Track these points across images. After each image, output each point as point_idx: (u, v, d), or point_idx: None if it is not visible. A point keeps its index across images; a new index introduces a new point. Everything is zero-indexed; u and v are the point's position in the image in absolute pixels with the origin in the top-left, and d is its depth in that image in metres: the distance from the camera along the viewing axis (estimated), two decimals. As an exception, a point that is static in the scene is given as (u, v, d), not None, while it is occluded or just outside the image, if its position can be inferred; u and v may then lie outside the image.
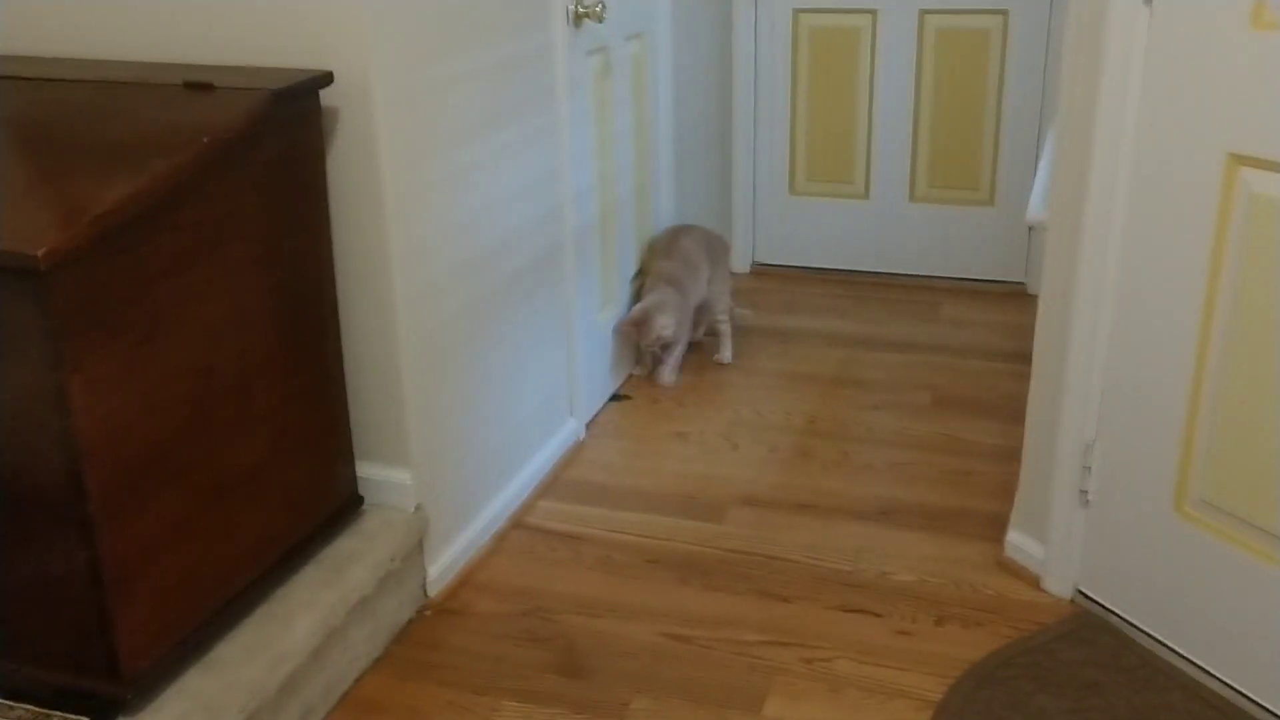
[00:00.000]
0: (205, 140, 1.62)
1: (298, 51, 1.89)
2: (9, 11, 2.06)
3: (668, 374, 3.08)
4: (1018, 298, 3.66)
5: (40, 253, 1.39)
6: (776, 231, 3.94)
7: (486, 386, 2.36)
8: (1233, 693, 1.90)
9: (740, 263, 3.97)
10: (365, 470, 2.13)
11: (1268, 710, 1.85)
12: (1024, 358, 2.73)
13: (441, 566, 2.23)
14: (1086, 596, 2.15)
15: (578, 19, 2.57)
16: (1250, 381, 1.79)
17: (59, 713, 1.63)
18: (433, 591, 2.21)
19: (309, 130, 1.87)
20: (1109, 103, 1.88)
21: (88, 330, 1.49)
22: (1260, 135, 1.70)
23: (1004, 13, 3.50)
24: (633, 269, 3.14)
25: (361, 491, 2.12)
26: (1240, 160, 1.73)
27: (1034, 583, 2.22)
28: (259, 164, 1.77)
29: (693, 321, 3.15)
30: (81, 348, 1.49)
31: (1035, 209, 2.20)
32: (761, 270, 3.98)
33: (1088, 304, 2.00)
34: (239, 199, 1.74)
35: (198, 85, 1.79)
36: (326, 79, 1.85)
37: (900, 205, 3.80)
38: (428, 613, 2.18)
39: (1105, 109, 1.89)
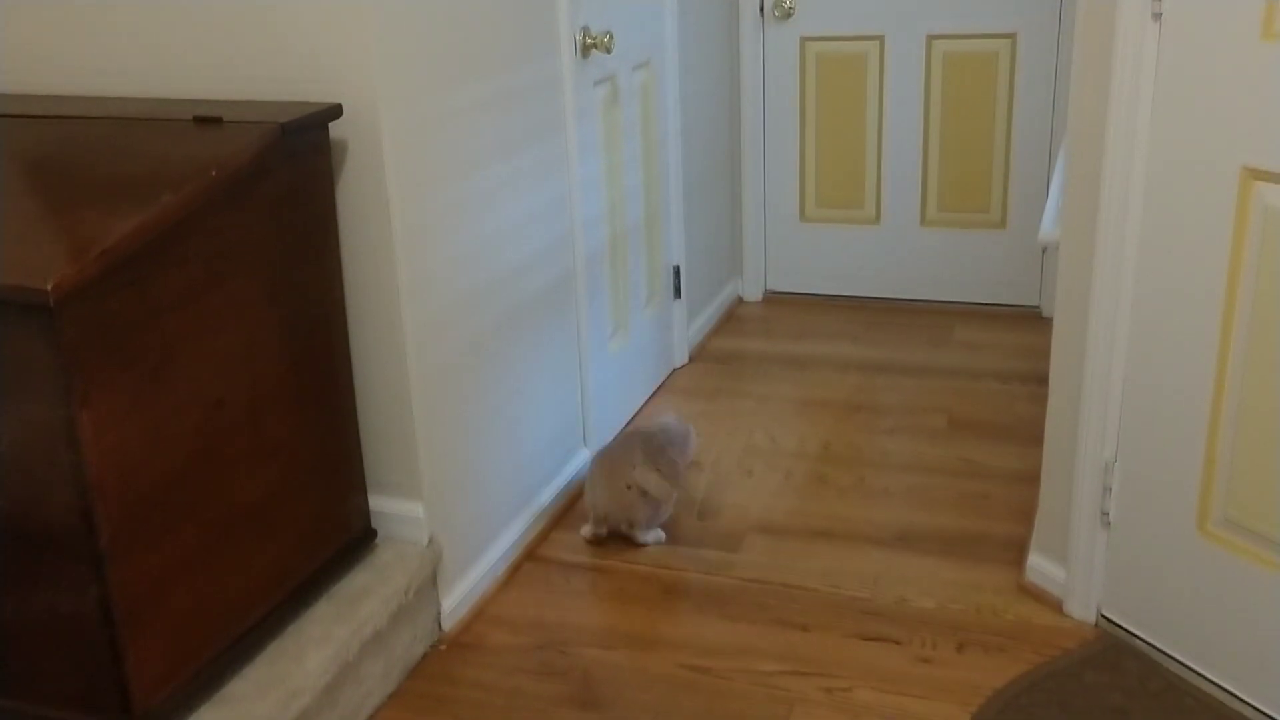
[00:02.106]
0: (213, 174, 1.62)
1: (307, 84, 1.90)
2: (19, 50, 2.08)
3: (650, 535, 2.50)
4: (1031, 320, 3.64)
5: (49, 286, 1.39)
6: (788, 259, 3.94)
7: (498, 417, 2.35)
8: (1263, 716, 1.86)
9: (752, 291, 3.96)
10: (378, 503, 2.12)
11: (1300, 734, 1.81)
12: (1039, 380, 2.71)
13: (455, 600, 2.21)
14: (1110, 620, 2.11)
15: (585, 49, 2.58)
16: (1272, 397, 1.77)
17: (70, 752, 1.62)
18: (447, 625, 2.19)
19: (318, 162, 1.88)
20: (1119, 119, 1.87)
21: (97, 364, 1.49)
22: (1275, 148, 1.68)
23: (1012, 36, 3.50)
24: (644, 297, 3.13)
25: (374, 524, 2.11)
26: (1255, 174, 1.72)
27: (1056, 606, 2.18)
28: (268, 197, 1.77)
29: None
30: (91, 381, 1.48)
31: (1048, 228, 2.18)
32: (773, 298, 3.97)
33: (1103, 322, 1.98)
34: (248, 232, 1.74)
35: (207, 120, 1.79)
36: (335, 111, 1.86)
37: (911, 230, 3.79)
38: (442, 647, 2.16)
39: (1116, 125, 1.88)
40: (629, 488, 2.41)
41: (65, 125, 1.89)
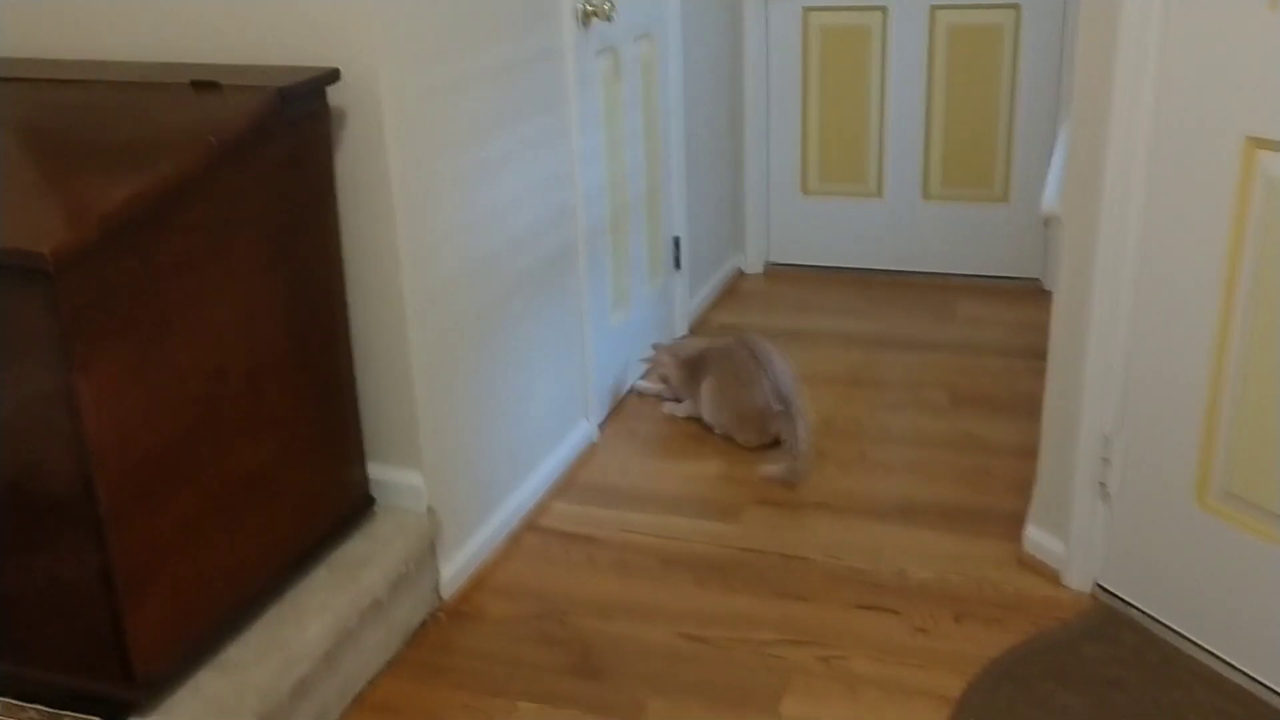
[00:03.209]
0: (212, 139, 1.61)
1: (305, 50, 1.89)
2: (17, 14, 2.07)
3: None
4: (1033, 294, 3.63)
5: (47, 251, 1.38)
6: (789, 232, 3.92)
7: (498, 388, 2.35)
8: (1259, 686, 1.86)
9: (754, 264, 3.95)
10: (377, 472, 2.12)
11: (1295, 705, 1.82)
12: (1041, 355, 2.70)
13: (455, 569, 2.22)
14: (1108, 591, 2.12)
15: (586, 17, 2.56)
16: (1272, 369, 1.76)
17: (71, 714, 1.63)
18: (446, 594, 2.20)
19: (317, 129, 1.87)
20: (1124, 88, 1.86)
21: (96, 331, 1.49)
22: (1278, 118, 1.67)
23: (1016, 7, 3.47)
24: (646, 270, 3.13)
25: (373, 493, 2.12)
26: (1259, 144, 1.71)
27: (1054, 579, 2.19)
28: (267, 163, 1.76)
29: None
30: (90, 348, 1.48)
31: (1050, 200, 2.17)
32: (775, 271, 3.96)
33: (1105, 294, 1.97)
34: (247, 199, 1.73)
35: (205, 85, 1.78)
36: (333, 76, 1.85)
37: (914, 203, 3.77)
38: (441, 615, 2.17)
39: (1120, 95, 1.86)
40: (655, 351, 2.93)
41: (62, 90, 1.88)
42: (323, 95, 1.86)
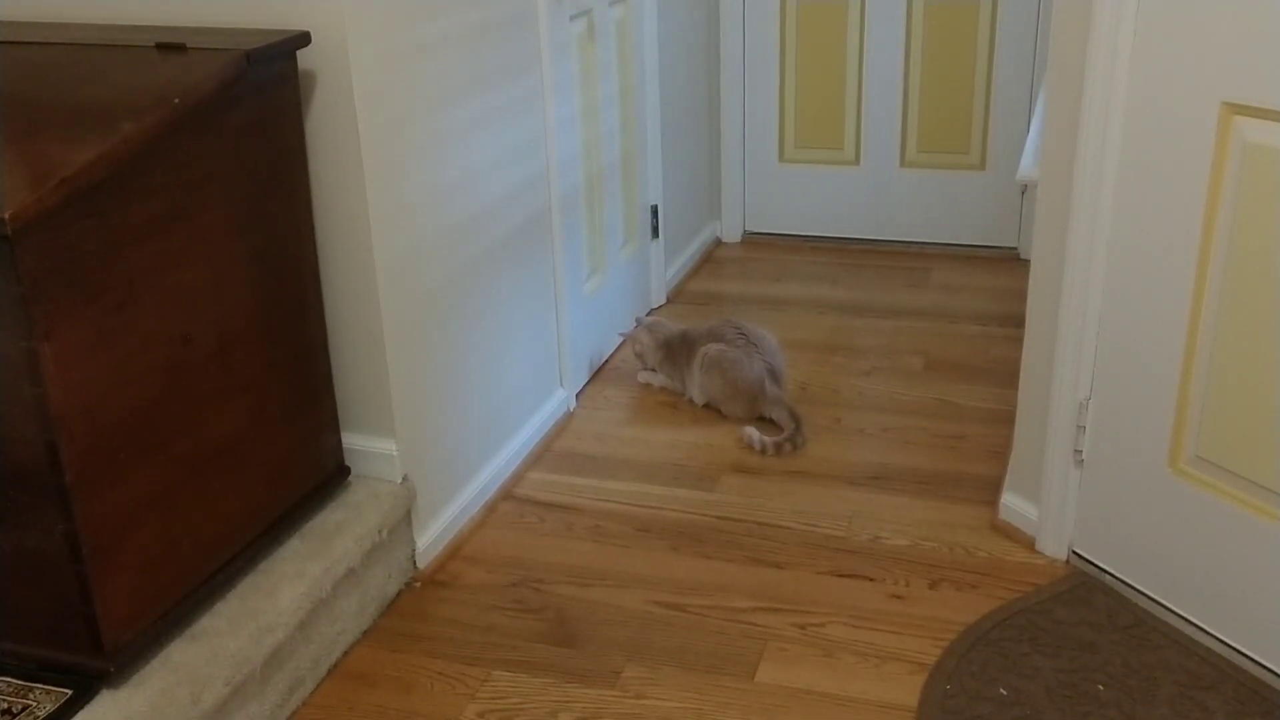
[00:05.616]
0: (176, 102, 1.58)
1: (274, 13, 1.85)
2: (-23, -23, 2.02)
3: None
4: (1009, 262, 3.63)
5: (7, 215, 1.35)
6: (766, 200, 3.91)
7: (473, 356, 2.33)
8: (1229, 649, 1.88)
9: (730, 232, 3.93)
10: (351, 441, 2.10)
11: (1264, 666, 1.83)
12: (1016, 322, 2.71)
13: (430, 538, 2.21)
14: (1081, 557, 2.13)
15: (560, -19, 2.53)
16: (1246, 336, 1.77)
17: (41, 686, 1.61)
18: (421, 563, 2.19)
19: (286, 93, 1.84)
20: (1100, 54, 1.85)
21: (59, 296, 1.46)
22: (1255, 83, 1.67)
23: (994, -26, 3.46)
24: (621, 237, 3.11)
25: (348, 462, 2.10)
26: (1234, 109, 1.70)
27: (1028, 544, 2.20)
28: (234, 127, 1.73)
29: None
30: (53, 314, 1.45)
31: (1026, 167, 2.17)
32: (751, 239, 3.94)
33: (1080, 260, 1.97)
34: (214, 163, 1.70)
35: (170, 46, 1.75)
36: (303, 39, 1.81)
37: (891, 171, 3.76)
38: (416, 584, 2.16)
39: (1096, 61, 1.85)
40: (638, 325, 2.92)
41: (23, 51, 1.84)
42: (292, 58, 1.83)
